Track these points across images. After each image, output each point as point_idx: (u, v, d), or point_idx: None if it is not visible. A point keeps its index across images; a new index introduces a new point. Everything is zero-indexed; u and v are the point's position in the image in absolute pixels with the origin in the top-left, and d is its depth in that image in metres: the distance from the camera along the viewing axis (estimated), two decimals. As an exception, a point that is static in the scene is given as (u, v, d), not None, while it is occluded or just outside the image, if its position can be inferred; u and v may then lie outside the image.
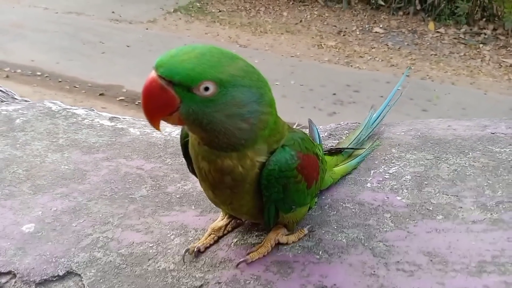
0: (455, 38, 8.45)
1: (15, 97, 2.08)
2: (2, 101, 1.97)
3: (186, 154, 1.13)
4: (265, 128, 0.97)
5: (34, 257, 1.20)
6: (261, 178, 0.99)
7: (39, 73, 6.88)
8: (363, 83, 6.87)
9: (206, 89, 0.87)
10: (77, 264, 1.18)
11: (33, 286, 1.13)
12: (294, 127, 1.15)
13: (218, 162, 0.97)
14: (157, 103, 0.89)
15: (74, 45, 7.79)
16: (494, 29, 8.52)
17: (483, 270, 1.05)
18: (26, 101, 2.04)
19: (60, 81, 6.68)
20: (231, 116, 0.91)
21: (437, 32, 8.64)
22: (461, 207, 1.24)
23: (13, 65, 7.07)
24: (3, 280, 1.16)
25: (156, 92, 0.88)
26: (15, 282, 1.14)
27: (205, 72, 0.87)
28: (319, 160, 1.15)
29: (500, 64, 7.58)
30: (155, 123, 0.92)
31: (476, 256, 1.08)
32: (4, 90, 2.07)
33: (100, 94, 6.28)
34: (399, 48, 8.16)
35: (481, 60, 7.79)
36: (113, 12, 9.32)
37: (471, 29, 8.62)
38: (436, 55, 7.97)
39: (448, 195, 1.29)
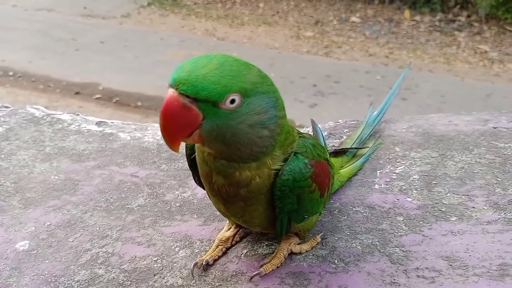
0: (430, 26, 8.53)
1: (-5, 103, 1.97)
2: (-19, 109, 1.87)
3: (191, 165, 1.07)
4: (282, 132, 0.93)
5: (32, 277, 1.13)
6: (275, 189, 0.95)
7: (11, 73, 6.65)
8: (342, 74, 6.87)
9: (232, 101, 0.83)
10: (78, 283, 1.11)
11: (33, 311, 1.06)
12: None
13: (236, 175, 0.92)
14: (179, 123, 0.83)
15: (46, 43, 7.57)
16: (468, 16, 8.64)
17: (505, 273, 1.02)
18: (6, 107, 1.94)
19: (33, 81, 6.48)
20: (254, 125, 0.87)
21: (413, 20, 8.71)
22: (474, 207, 1.21)
23: (-17, 66, 6.83)
24: (0, 305, 1.08)
25: (178, 111, 0.82)
26: (13, 307, 1.07)
27: (231, 84, 0.82)
28: (329, 166, 1.11)
29: (475, 51, 7.70)
30: (175, 145, 0.86)
31: (496, 259, 1.06)
32: (-18, 97, 1.96)
33: (76, 93, 6.11)
34: (376, 37, 8.19)
35: (457, 47, 7.89)
36: (85, 7, 9.09)
37: (446, 17, 8.72)
38: (412, 43, 8.03)
39: (459, 194, 1.26)
